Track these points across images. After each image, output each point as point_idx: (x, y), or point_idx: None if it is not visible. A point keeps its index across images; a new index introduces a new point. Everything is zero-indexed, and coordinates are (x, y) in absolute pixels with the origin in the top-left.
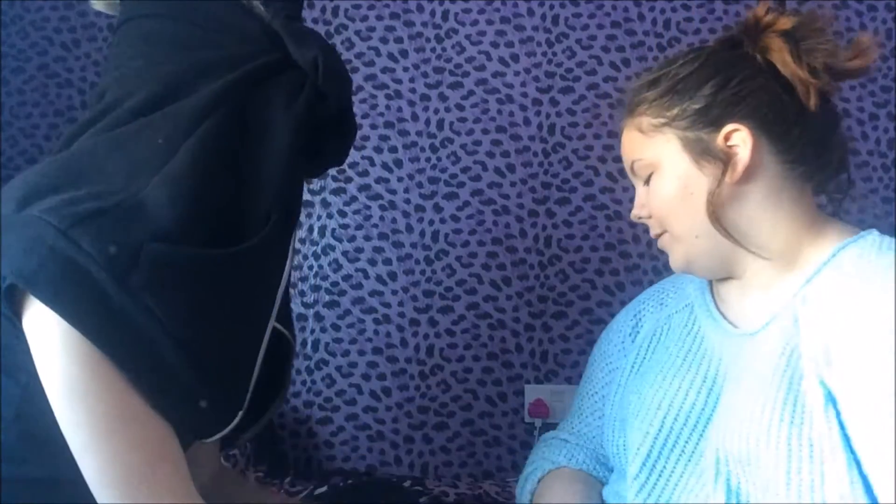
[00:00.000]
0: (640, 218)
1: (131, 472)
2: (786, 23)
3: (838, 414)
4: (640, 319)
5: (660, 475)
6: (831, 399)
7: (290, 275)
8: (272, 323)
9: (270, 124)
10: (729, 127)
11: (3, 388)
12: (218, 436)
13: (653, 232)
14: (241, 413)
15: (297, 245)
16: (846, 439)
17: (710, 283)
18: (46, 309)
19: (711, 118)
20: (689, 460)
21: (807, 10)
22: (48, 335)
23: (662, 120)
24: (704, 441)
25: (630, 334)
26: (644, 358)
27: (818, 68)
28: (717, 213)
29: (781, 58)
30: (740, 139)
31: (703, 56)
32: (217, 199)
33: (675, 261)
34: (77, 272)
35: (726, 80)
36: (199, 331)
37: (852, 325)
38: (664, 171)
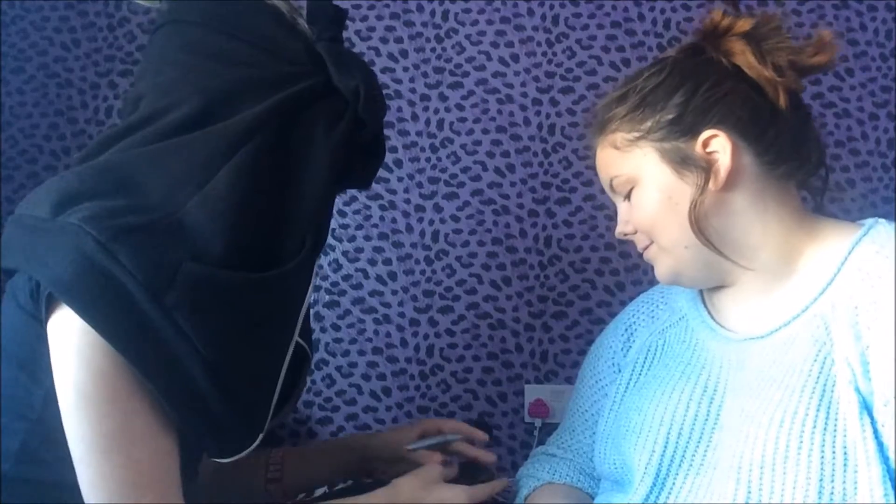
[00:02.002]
0: (625, 235)
1: (120, 490)
2: (744, 25)
3: (873, 422)
4: (631, 334)
5: (670, 491)
6: (866, 406)
7: (312, 292)
8: (293, 344)
9: (311, 150)
10: (706, 133)
11: (27, 391)
12: (237, 457)
13: (640, 245)
14: (261, 435)
15: None
16: (881, 448)
17: (701, 292)
18: (70, 319)
19: (686, 126)
20: (698, 473)
21: (760, 11)
22: (69, 346)
23: (637, 134)
24: (712, 451)
25: (622, 349)
26: (640, 373)
27: (783, 66)
28: (700, 223)
29: (745, 60)
30: (719, 145)
31: (669, 66)
32: (256, 222)
33: (662, 272)
34: (113, 286)
35: (696, 87)
36: (228, 353)
37: (888, 331)
38: (645, 185)
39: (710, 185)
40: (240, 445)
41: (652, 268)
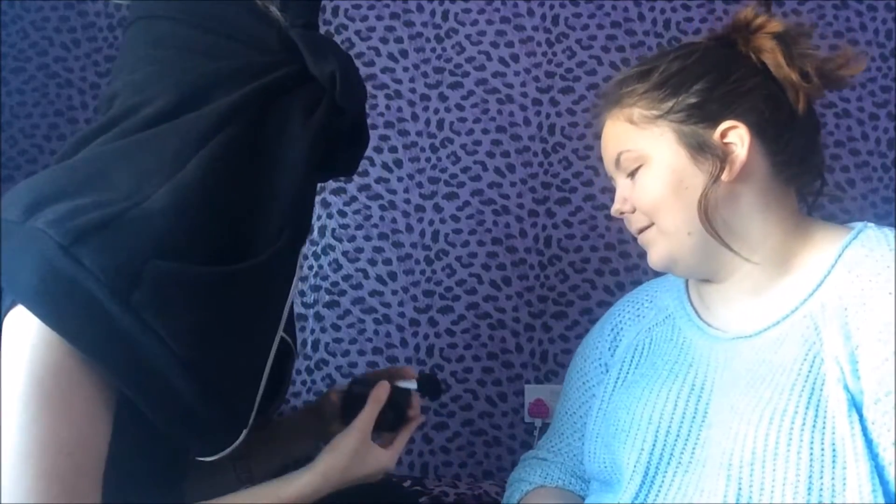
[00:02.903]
0: (622, 213)
1: (37, 497)
2: (777, 26)
3: (862, 419)
4: (618, 333)
5: (659, 489)
6: (854, 404)
7: (297, 285)
8: (278, 337)
9: (286, 139)
10: (726, 123)
11: None
12: (220, 455)
13: (637, 226)
14: (245, 432)
15: None
16: (869, 445)
17: (688, 291)
18: (21, 319)
19: (708, 113)
20: (686, 470)
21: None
22: (16, 344)
23: (656, 112)
24: (700, 448)
25: (609, 349)
26: (627, 372)
27: (810, 72)
28: (709, 212)
29: (774, 59)
30: (737, 137)
31: (699, 51)
32: (227, 213)
33: (657, 257)
34: (78, 291)
35: (723, 77)
36: (204, 350)
37: (878, 331)
38: (655, 164)
39: (724, 175)
40: (223, 443)
41: (652, 268)
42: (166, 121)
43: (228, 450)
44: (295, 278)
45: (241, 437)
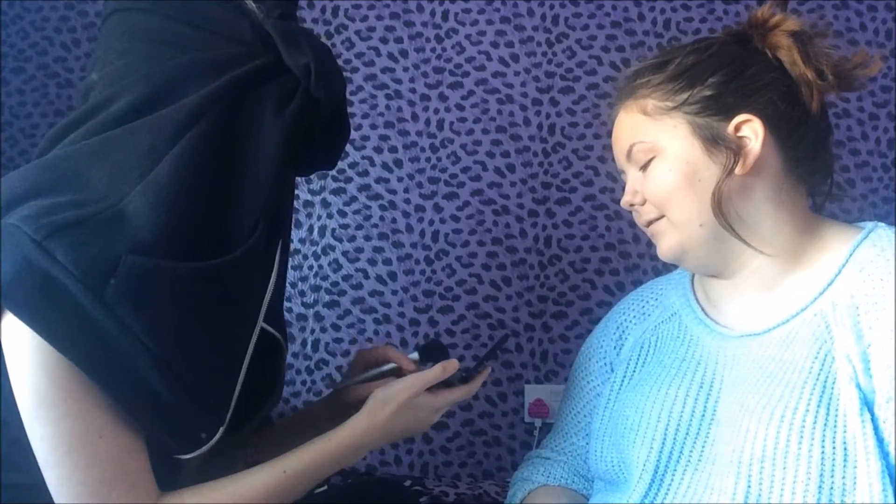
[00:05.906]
0: (632, 205)
1: (86, 489)
2: (794, 24)
3: (874, 418)
4: (623, 332)
5: (669, 488)
6: (866, 403)
7: (282, 278)
8: (257, 332)
9: (259, 132)
10: (741, 117)
11: None
12: (198, 452)
13: (646, 218)
14: (222, 429)
15: (297, 245)
16: (880, 444)
17: (694, 288)
18: (16, 324)
19: (723, 106)
20: (696, 468)
21: (804, 17)
22: (21, 346)
23: (670, 104)
24: (709, 446)
25: (615, 348)
26: (634, 371)
27: (826, 71)
28: (722, 204)
29: (791, 57)
30: (751, 130)
31: (716, 45)
32: (201, 209)
33: (667, 248)
34: (52, 286)
35: (739, 71)
36: (178, 346)
37: (890, 330)
38: (669, 156)
39: (738, 168)
40: (199, 440)
41: (653, 268)
42: (139, 115)
43: (206, 447)
44: (274, 272)
45: (219, 435)
